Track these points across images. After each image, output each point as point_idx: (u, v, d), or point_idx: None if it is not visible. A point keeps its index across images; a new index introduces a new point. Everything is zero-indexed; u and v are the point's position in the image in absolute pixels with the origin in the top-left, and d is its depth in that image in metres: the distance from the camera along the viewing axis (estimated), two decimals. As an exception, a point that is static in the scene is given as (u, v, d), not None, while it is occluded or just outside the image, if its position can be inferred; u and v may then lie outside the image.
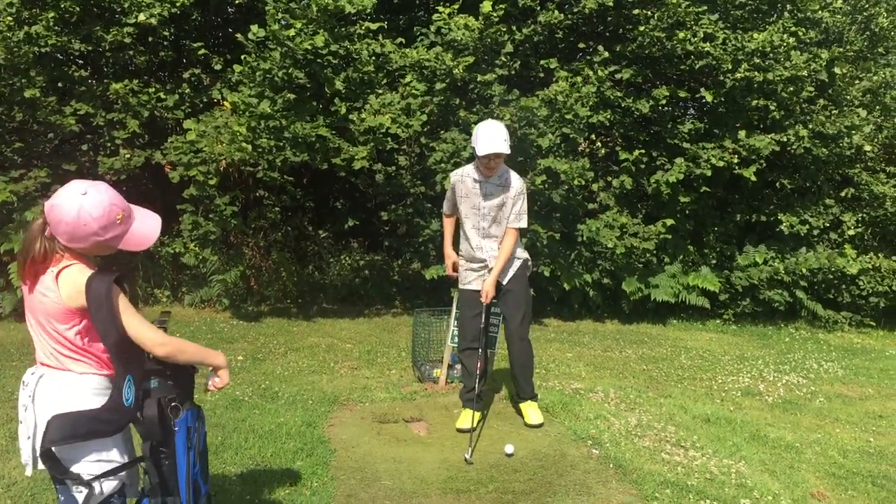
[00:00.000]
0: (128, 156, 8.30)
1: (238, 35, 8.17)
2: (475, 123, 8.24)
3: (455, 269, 5.08)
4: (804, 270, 9.33)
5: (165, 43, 8.93)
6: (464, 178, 4.79)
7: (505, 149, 4.55)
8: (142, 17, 8.16)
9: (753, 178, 9.04)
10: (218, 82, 8.94)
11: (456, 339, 5.67)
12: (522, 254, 4.97)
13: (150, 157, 8.45)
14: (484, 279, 4.80)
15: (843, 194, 10.00)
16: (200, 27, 9.54)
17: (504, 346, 5.22)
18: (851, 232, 9.87)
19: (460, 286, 4.98)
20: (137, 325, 2.38)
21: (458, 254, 5.05)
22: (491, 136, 4.56)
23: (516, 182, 4.76)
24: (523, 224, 4.83)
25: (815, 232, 9.74)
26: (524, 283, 4.94)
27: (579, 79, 8.36)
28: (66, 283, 2.32)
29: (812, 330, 9.70)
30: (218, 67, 8.89)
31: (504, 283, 4.88)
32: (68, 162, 8.16)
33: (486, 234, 4.82)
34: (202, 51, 8.76)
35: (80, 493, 2.33)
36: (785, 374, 7.13)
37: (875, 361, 8.06)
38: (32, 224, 2.38)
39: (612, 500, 3.82)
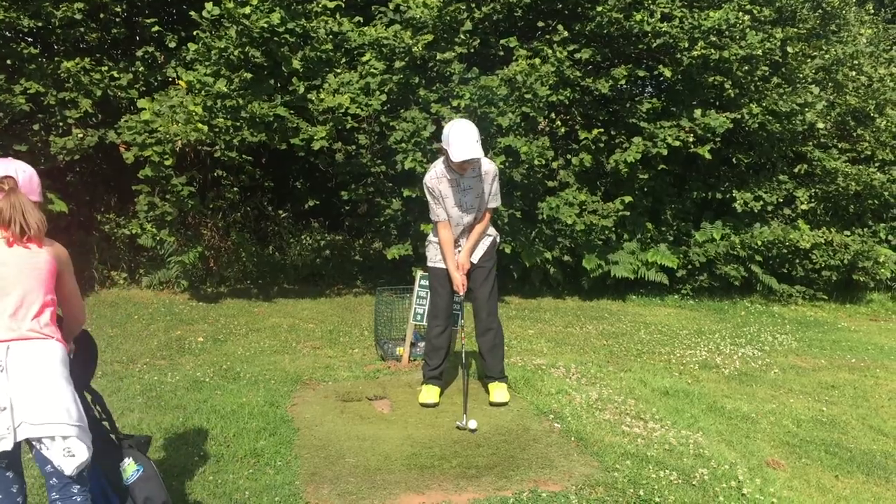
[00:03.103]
0: (80, 135, 8.11)
1: (192, 13, 8.01)
2: (435, 102, 8.25)
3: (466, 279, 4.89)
4: (759, 243, 9.50)
5: (117, 20, 8.72)
6: (440, 179, 4.71)
7: (479, 152, 4.51)
8: (92, -8, 7.96)
9: (708, 157, 9.16)
10: (172, 60, 8.76)
11: (419, 317, 5.69)
12: (492, 231, 5.02)
13: (104, 137, 8.27)
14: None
15: (796, 170, 10.18)
16: (153, 4, 9.33)
17: (468, 324, 5.25)
18: (804, 207, 10.07)
19: (431, 264, 4.98)
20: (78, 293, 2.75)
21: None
22: (464, 141, 4.48)
23: (489, 166, 4.76)
24: (498, 203, 4.92)
25: (770, 208, 9.92)
26: (493, 259, 4.98)
27: (538, 60, 8.36)
28: (49, 248, 2.58)
29: (767, 304, 9.90)
30: (172, 45, 8.71)
31: (475, 261, 4.90)
32: (19, 142, 7.95)
33: (469, 227, 4.84)
34: (156, 28, 8.57)
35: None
36: (741, 346, 7.27)
37: (827, 333, 8.26)
38: (23, 199, 2.50)
39: (574, 472, 3.87)
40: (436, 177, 4.73)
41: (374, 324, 6.48)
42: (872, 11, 12.31)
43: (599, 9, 8.60)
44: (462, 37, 8.52)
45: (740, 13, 8.91)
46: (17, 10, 7.80)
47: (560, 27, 8.77)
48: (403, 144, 8.14)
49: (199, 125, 7.57)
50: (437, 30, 8.37)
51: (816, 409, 5.38)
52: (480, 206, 4.80)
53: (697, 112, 9.09)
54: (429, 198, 4.79)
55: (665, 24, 8.71)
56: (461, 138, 4.48)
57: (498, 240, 5.09)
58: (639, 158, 8.94)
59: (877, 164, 10.44)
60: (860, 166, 10.10)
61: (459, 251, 4.86)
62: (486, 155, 7.94)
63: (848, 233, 10.10)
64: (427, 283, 5.68)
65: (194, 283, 8.83)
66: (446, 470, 3.86)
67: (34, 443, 2.40)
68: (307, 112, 8.13)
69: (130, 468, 2.77)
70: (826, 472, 4.22)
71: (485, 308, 4.91)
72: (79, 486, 2.45)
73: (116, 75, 8.33)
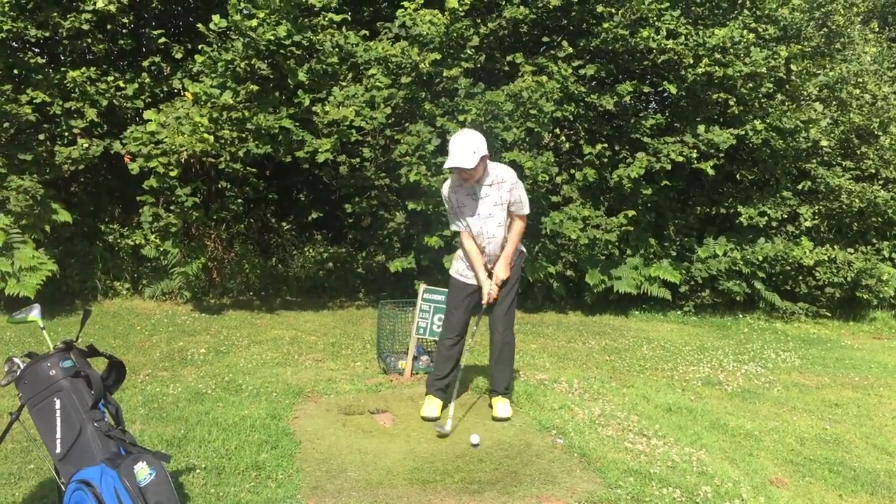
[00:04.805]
0: (86, 145, 8.14)
1: (199, 25, 8.05)
2: (440, 116, 8.27)
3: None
4: (760, 258, 9.50)
5: (124, 31, 8.77)
6: (454, 189, 4.71)
7: (467, 163, 4.43)
8: (100, 3, 8.00)
9: (712, 172, 9.17)
10: (179, 72, 8.80)
11: (421, 331, 5.69)
12: (520, 244, 4.96)
13: (109, 147, 8.30)
14: (491, 271, 4.78)
15: (800, 187, 10.18)
16: (160, 15, 9.39)
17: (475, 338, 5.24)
18: (808, 224, 10.06)
19: (455, 274, 4.93)
20: None
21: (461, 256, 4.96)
22: (455, 150, 4.47)
23: (506, 174, 4.69)
24: (527, 210, 4.83)
25: (773, 224, 9.91)
26: (517, 274, 4.95)
27: (544, 78, 8.37)
28: None
29: (770, 320, 9.88)
30: (179, 56, 8.75)
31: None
32: (24, 152, 7.96)
33: (491, 236, 4.75)
34: (162, 39, 8.62)
35: None
36: (744, 363, 7.25)
37: (830, 351, 8.24)
38: None
39: (576, 488, 3.86)
40: (450, 186, 4.75)
41: (376, 337, 6.47)
42: (877, 30, 12.35)
43: (605, 25, 8.63)
44: (469, 51, 8.55)
45: (745, 31, 8.94)
46: (25, 21, 7.85)
47: (565, 43, 8.80)
48: (408, 158, 8.16)
49: (205, 136, 7.58)
50: (444, 46, 8.40)
51: (820, 428, 5.36)
52: (502, 215, 4.72)
53: (701, 128, 9.10)
54: (447, 206, 4.83)
55: (670, 41, 8.74)
56: (454, 147, 4.49)
57: (524, 253, 5.06)
58: (642, 174, 8.94)
59: (881, 182, 10.44)
60: (864, 184, 10.10)
61: (489, 262, 4.81)
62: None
63: (851, 250, 10.10)
64: (430, 296, 5.69)
65: (197, 294, 8.83)
66: (448, 485, 3.84)
67: None
68: (312, 124, 8.14)
69: (143, 472, 2.77)
70: (830, 491, 4.20)
71: (502, 322, 4.89)
72: None
73: (122, 85, 8.36)
